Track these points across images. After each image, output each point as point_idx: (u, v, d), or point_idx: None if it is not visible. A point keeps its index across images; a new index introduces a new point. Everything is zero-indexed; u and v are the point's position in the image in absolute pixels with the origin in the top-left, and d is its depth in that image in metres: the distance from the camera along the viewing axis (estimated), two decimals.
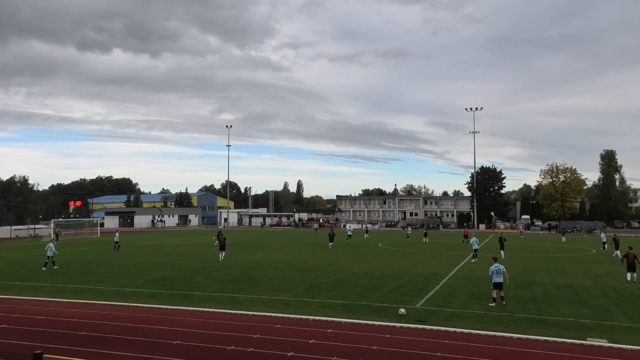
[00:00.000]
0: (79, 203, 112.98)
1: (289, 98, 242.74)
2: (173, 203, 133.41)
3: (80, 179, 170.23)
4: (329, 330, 13.47)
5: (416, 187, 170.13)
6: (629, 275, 23.91)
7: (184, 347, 11.83)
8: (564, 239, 58.63)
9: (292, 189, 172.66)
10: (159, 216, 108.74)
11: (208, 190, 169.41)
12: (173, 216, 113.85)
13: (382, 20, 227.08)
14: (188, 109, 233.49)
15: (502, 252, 33.94)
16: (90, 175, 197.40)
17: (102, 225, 71.62)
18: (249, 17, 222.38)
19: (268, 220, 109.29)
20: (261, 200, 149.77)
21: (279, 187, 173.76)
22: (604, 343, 12.45)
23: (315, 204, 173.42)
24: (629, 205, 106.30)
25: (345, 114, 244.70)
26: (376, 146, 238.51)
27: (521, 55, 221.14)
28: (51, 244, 27.97)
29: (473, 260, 31.62)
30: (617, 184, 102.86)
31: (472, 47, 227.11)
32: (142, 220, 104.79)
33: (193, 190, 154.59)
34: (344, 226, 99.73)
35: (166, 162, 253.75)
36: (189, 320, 14.64)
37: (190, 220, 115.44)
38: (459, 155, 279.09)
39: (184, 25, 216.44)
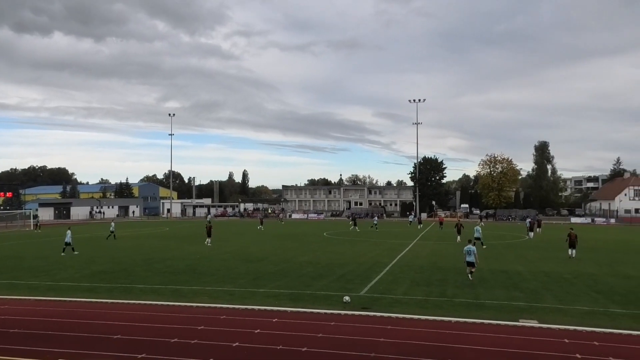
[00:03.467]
0: (9, 194, 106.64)
1: (238, 87, 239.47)
2: (113, 194, 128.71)
3: (11, 169, 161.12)
4: (274, 320, 13.51)
5: (361, 177, 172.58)
6: (569, 251, 28.37)
7: (125, 341, 11.52)
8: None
9: (238, 179, 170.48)
10: (97, 207, 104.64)
11: (150, 180, 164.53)
12: (113, 207, 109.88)
13: (336, 11, 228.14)
14: (132, 96, 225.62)
15: (458, 237, 38.90)
16: (23, 164, 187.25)
17: (35, 217, 68.01)
18: (200, 2, 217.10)
19: (213, 211, 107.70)
20: (205, 190, 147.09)
21: (224, 177, 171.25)
22: (535, 324, 13.21)
23: (260, 194, 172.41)
24: (559, 194, 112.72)
25: (294, 104, 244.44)
26: (324, 136, 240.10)
27: (467, 49, 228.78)
28: None
29: (484, 247, 33.16)
30: (549, 174, 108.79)
31: (422, 41, 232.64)
32: (79, 212, 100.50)
33: (134, 180, 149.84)
34: (290, 216, 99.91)
35: (106, 151, 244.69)
36: (129, 314, 14.25)
37: (134, 212, 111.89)
38: (404, 145, 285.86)
39: (130, 9, 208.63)
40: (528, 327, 12.94)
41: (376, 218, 64.08)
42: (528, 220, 51.56)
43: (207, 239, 36.55)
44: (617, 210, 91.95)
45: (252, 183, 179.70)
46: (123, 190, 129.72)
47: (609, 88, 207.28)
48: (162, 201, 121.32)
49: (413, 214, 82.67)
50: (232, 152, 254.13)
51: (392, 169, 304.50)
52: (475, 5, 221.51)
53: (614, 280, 20.59)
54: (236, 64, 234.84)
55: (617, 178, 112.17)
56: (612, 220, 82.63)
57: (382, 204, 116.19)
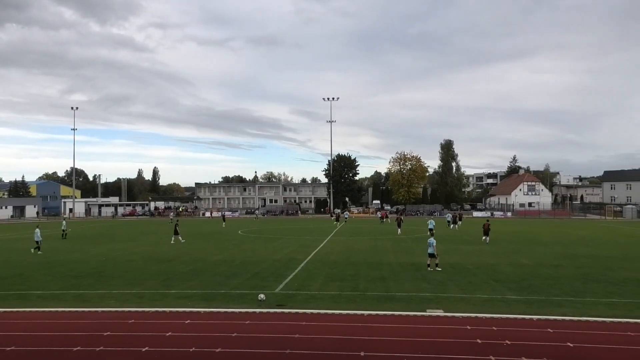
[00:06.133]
0: None
1: (151, 81, 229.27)
2: (6, 193, 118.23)
3: None
4: (186, 322, 13.13)
5: (276, 174, 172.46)
6: (484, 238, 34.85)
7: (21, 353, 10.65)
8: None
9: (148, 176, 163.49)
10: None
11: (50, 178, 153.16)
12: (6, 207, 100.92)
13: (255, 6, 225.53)
14: (34, 87, 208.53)
15: (399, 230, 43.70)
16: None
17: None
18: None
19: (120, 210, 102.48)
20: (112, 188, 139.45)
21: (133, 175, 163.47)
22: (440, 313, 13.96)
23: (172, 192, 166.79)
24: (463, 190, 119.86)
25: (210, 99, 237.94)
26: (240, 133, 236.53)
27: (381, 50, 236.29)
28: None
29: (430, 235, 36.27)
30: (454, 171, 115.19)
31: (339, 40, 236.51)
32: None
33: (31, 178, 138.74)
34: (203, 214, 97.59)
35: (0, 147, 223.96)
36: (26, 323, 13.18)
37: (37, 212, 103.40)
38: (319, 143, 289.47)
39: None
40: (434, 317, 13.64)
41: (347, 213, 73.17)
42: (449, 214, 59.61)
43: (175, 237, 36.56)
44: (513, 205, 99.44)
45: (164, 181, 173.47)
46: (18, 188, 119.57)
47: (508, 90, 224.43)
48: (63, 200, 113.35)
49: (346, 212, 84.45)
50: (143, 148, 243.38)
51: (308, 166, 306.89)
52: (391, 8, 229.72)
53: (511, 269, 22.28)
54: (150, 57, 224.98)
55: (513, 174, 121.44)
56: (509, 214, 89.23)
57: (297, 201, 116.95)
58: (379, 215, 68.46)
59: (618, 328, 12.49)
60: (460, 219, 56.35)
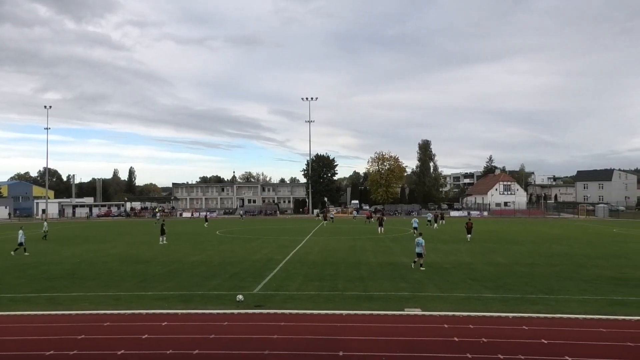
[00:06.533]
0: None
1: (127, 79, 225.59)
2: None
3: None
4: (163, 324, 12.96)
5: (255, 174, 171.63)
6: (468, 236, 36.11)
7: None
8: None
9: (124, 176, 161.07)
10: None
11: (22, 178, 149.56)
12: None
13: (235, 6, 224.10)
14: (5, 85, 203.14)
15: (380, 229, 44.58)
16: None
17: None
18: None
19: (95, 211, 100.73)
20: (88, 189, 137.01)
21: (108, 175, 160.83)
22: (418, 312, 14.07)
23: (148, 192, 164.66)
24: (440, 189, 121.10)
25: (189, 98, 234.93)
26: (219, 133, 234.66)
27: (361, 51, 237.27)
28: None
29: (414, 234, 38.30)
30: (432, 171, 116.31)
31: (319, 40, 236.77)
32: None
33: (3, 178, 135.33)
34: (181, 214, 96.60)
35: None
36: None
37: (9, 214, 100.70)
38: (298, 143, 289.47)
39: None
40: (412, 315, 13.74)
41: (332, 213, 74.89)
42: (429, 214, 62.01)
43: (162, 237, 36.39)
44: (489, 204, 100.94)
45: (140, 181, 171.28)
46: None
47: (486, 91, 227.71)
48: (35, 201, 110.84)
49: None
50: (119, 148, 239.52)
51: (287, 166, 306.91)
52: (371, 9, 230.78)
53: (487, 268, 22.59)
54: (127, 55, 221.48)
55: (490, 174, 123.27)
56: (485, 213, 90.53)
57: (276, 201, 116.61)
58: (365, 216, 69.87)
59: (590, 324, 12.76)
60: (442, 218, 58.55)
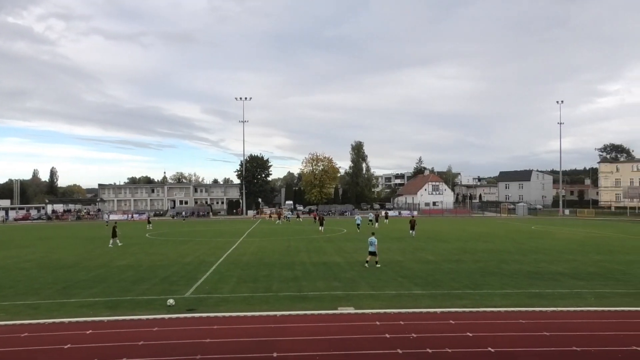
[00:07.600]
0: None
1: (51, 75, 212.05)
2: None
3: None
4: (88, 332, 12.34)
5: (187, 175, 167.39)
6: (411, 232, 38.64)
7: None
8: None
9: (44, 177, 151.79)
10: None
11: None
12: None
13: (168, 2, 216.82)
14: None
15: (321, 227, 46.01)
16: None
17: None
18: None
19: (12, 214, 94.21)
20: (3, 191, 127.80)
21: (27, 176, 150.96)
22: (351, 310, 14.30)
23: (72, 194, 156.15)
24: (373, 190, 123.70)
25: (118, 96, 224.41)
26: (149, 132, 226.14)
27: (296, 52, 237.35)
28: None
29: (358, 231, 42.67)
30: (364, 171, 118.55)
31: (254, 40, 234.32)
32: None
33: None
34: (109, 216, 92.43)
35: None
36: None
37: None
38: (232, 143, 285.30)
39: None
40: (345, 314, 13.94)
41: (289, 213, 76.68)
42: (371, 213, 64.73)
43: (114, 240, 35.37)
44: (419, 204, 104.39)
45: (63, 182, 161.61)
46: None
47: (416, 95, 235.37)
48: None
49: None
50: (40, 147, 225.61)
51: (220, 166, 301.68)
52: (307, 10, 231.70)
53: (417, 266, 23.35)
54: (50, 50, 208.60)
55: (419, 175, 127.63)
56: (415, 213, 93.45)
57: (209, 202, 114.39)
58: (311, 216, 72.95)
59: (511, 317, 13.53)
60: (386, 217, 63.53)
